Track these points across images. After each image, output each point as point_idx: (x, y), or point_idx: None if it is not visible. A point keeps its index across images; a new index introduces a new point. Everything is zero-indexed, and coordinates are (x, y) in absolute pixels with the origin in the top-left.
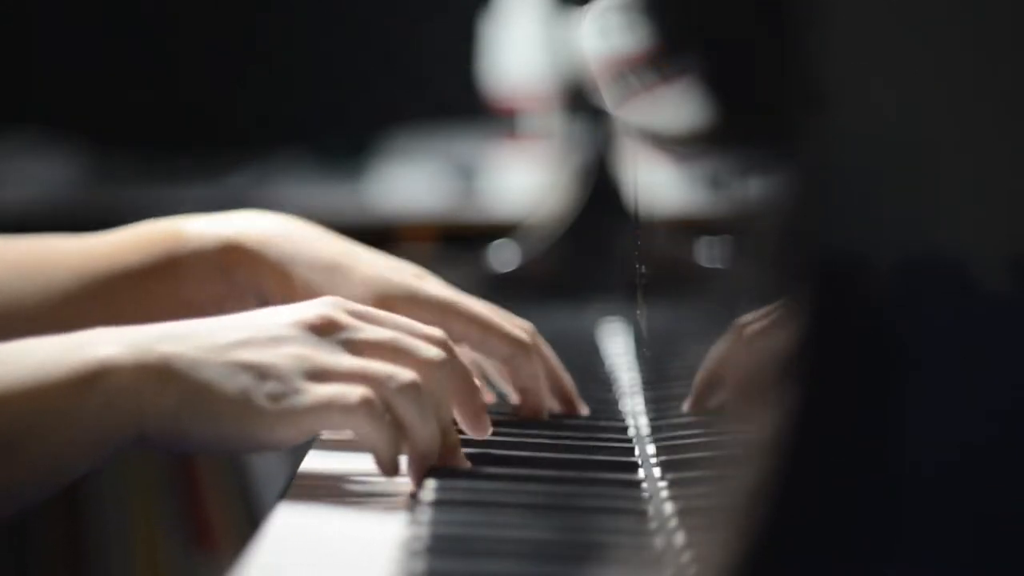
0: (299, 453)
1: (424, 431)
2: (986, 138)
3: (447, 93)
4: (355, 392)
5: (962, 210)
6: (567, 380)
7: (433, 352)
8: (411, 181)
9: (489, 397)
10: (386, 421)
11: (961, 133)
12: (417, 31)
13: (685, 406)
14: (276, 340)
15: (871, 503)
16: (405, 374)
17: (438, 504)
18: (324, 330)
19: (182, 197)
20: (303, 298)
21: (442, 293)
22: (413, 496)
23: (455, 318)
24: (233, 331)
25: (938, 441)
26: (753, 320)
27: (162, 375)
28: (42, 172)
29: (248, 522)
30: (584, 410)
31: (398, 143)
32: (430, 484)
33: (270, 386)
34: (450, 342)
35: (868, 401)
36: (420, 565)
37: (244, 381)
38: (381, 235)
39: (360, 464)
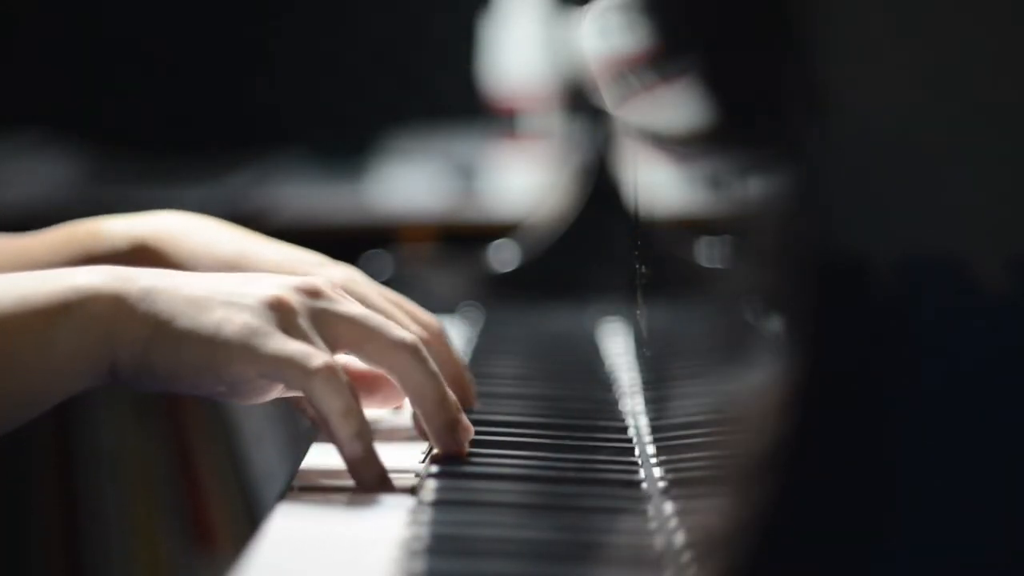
0: (299, 452)
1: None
2: (986, 138)
3: (447, 93)
4: (320, 356)
5: (962, 210)
6: (466, 376)
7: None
8: (411, 181)
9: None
10: (344, 390)
11: (961, 133)
12: (417, 31)
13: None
14: (260, 290)
15: (871, 503)
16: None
17: (438, 504)
18: (309, 294)
19: (182, 197)
20: None
21: (333, 287)
22: (413, 495)
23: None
24: (216, 278)
25: (938, 441)
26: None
27: (140, 304)
28: (42, 172)
29: (248, 522)
30: (475, 404)
31: (398, 143)
32: (430, 484)
33: (241, 320)
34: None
35: (868, 401)
36: (420, 565)
37: (219, 315)
38: (381, 235)
39: None
